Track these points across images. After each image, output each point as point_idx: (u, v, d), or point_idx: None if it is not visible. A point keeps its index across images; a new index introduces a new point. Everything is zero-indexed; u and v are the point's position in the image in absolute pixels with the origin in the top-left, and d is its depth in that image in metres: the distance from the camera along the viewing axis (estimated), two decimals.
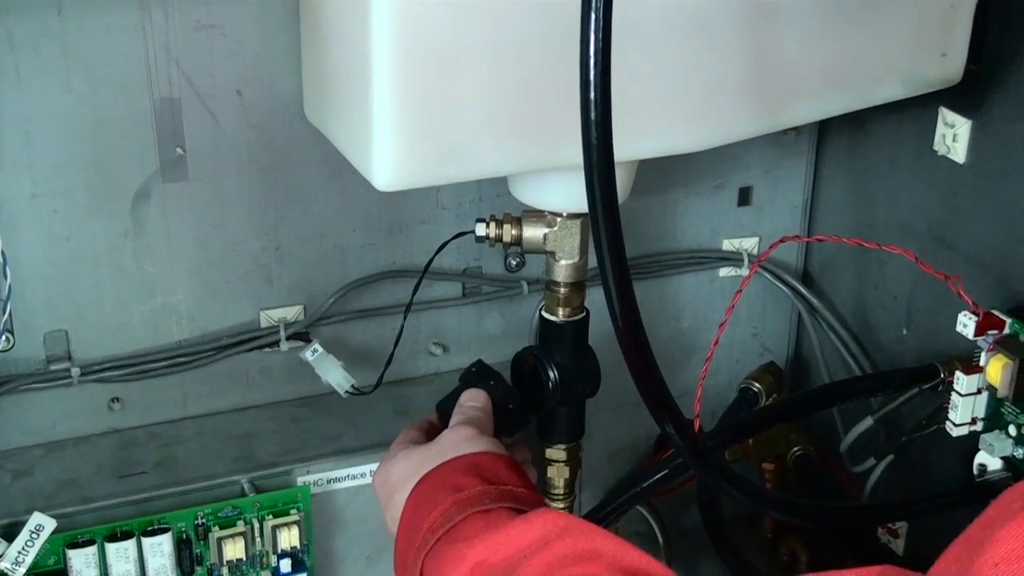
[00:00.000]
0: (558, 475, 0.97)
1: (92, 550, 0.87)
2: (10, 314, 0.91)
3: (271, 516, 0.92)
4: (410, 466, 0.82)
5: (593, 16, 0.62)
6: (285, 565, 0.93)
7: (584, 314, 0.93)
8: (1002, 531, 0.43)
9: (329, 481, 0.96)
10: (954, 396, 0.89)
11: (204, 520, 0.91)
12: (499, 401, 0.90)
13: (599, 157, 0.65)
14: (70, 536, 0.87)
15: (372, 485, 0.88)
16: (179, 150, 0.92)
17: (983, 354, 0.87)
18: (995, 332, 0.87)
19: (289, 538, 0.92)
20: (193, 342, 0.98)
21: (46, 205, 0.90)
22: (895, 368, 1.05)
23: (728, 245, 1.14)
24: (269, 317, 1.00)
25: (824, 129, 1.12)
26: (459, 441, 0.83)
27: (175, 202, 0.93)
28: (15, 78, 0.86)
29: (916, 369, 0.97)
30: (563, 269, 0.91)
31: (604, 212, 0.66)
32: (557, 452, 0.96)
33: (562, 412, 0.94)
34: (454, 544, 0.72)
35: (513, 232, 0.90)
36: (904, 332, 1.05)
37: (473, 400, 0.89)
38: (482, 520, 0.74)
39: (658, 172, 1.04)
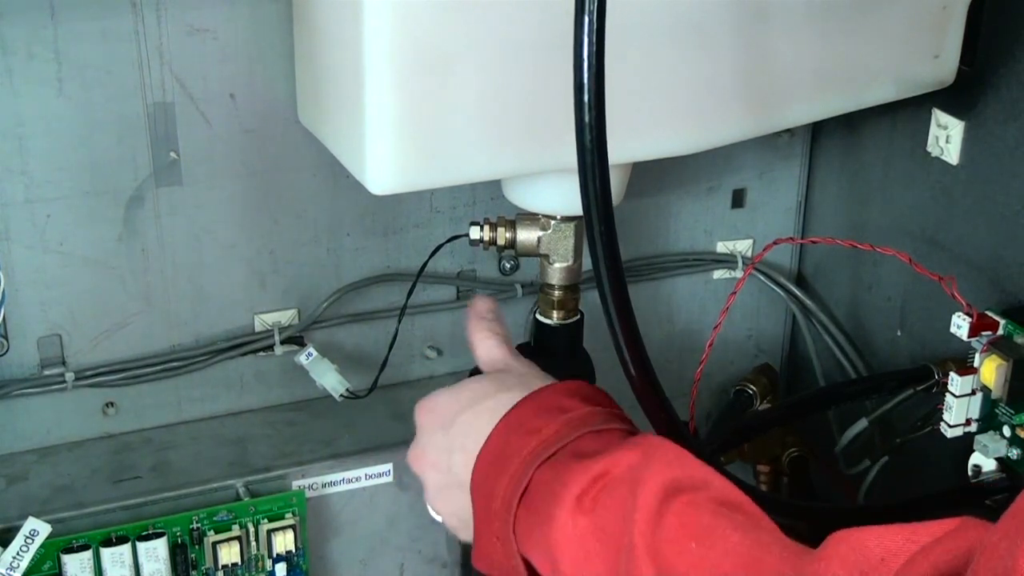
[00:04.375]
0: None
1: (87, 555, 0.87)
2: (4, 319, 0.91)
3: (266, 520, 0.92)
4: (495, 386, 0.78)
5: (586, 18, 0.62)
6: (280, 569, 0.93)
7: (578, 317, 0.93)
8: None
9: (324, 485, 0.96)
10: (948, 397, 0.89)
11: (199, 525, 0.91)
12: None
13: (593, 159, 0.65)
14: (65, 541, 0.87)
15: (417, 410, 0.82)
16: (172, 154, 0.92)
17: (977, 355, 0.87)
18: (989, 333, 0.87)
19: (284, 542, 0.92)
20: (187, 347, 0.98)
21: (40, 210, 0.90)
22: (889, 369, 1.05)
23: (722, 247, 1.14)
24: (263, 321, 1.00)
25: (817, 131, 1.12)
26: (541, 373, 0.81)
27: (169, 206, 0.93)
28: (8, 83, 0.86)
29: (910, 371, 0.97)
30: (557, 272, 0.91)
31: (599, 215, 0.66)
32: None
33: None
34: (571, 461, 0.71)
35: (507, 235, 0.90)
36: (898, 333, 1.05)
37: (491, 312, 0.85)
38: (595, 441, 0.72)
39: (652, 174, 1.05)
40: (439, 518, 0.81)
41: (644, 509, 0.64)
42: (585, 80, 0.63)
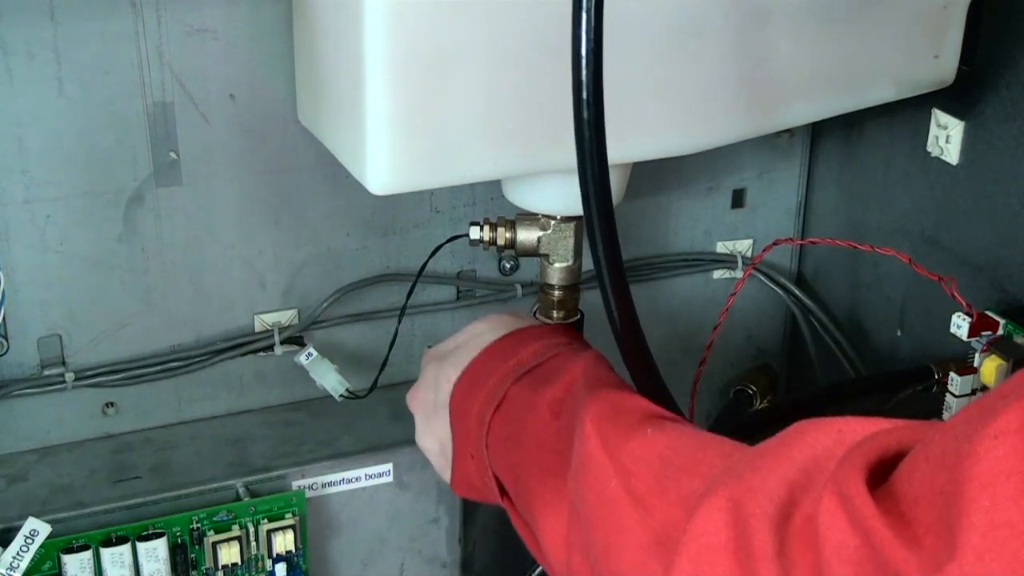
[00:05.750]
0: None
1: (87, 555, 0.87)
2: (4, 319, 0.91)
3: (266, 520, 0.92)
4: (490, 325, 0.83)
5: (584, 17, 0.62)
6: (280, 570, 0.93)
7: (578, 316, 0.93)
8: (1007, 409, 0.45)
9: (324, 485, 0.96)
10: (948, 397, 0.89)
11: (199, 525, 0.91)
12: None
13: (592, 159, 0.65)
14: (65, 541, 0.87)
15: (424, 355, 0.88)
16: (172, 154, 0.92)
17: (977, 355, 0.87)
18: (989, 333, 0.87)
19: (284, 542, 0.92)
20: (187, 347, 0.98)
21: (39, 210, 0.90)
22: (889, 369, 1.05)
23: (722, 247, 1.14)
24: (263, 321, 1.00)
25: (817, 131, 1.12)
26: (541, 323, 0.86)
27: (168, 206, 0.93)
28: (8, 83, 0.86)
29: (910, 370, 0.97)
30: (557, 272, 0.91)
31: (599, 214, 0.66)
32: None
33: None
34: (547, 373, 0.75)
35: (507, 235, 0.90)
36: (898, 333, 1.05)
37: None
38: (572, 357, 0.76)
39: (651, 174, 1.05)
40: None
41: (591, 420, 0.66)
42: (583, 78, 0.63)
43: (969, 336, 0.87)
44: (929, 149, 0.97)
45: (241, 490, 0.93)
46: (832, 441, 0.54)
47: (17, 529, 0.85)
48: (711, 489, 0.56)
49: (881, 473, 0.50)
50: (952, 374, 0.89)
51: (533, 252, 0.90)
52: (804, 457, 0.54)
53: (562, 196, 0.85)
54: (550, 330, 0.81)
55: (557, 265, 0.90)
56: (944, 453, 0.47)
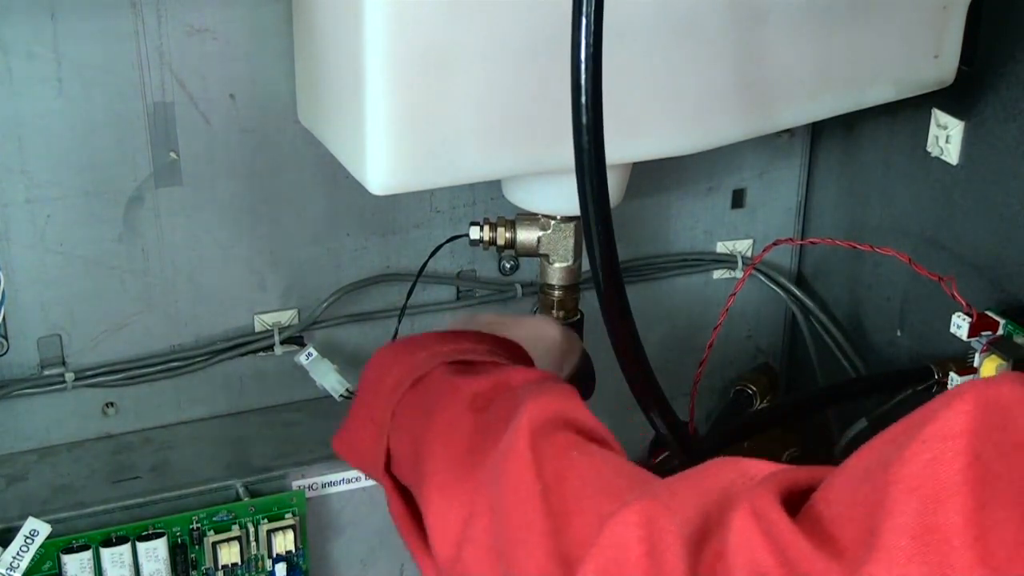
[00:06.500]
0: None
1: (87, 555, 0.87)
2: (4, 319, 0.91)
3: (266, 520, 0.92)
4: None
5: (584, 20, 0.62)
6: (280, 570, 0.93)
7: (578, 317, 0.93)
8: (935, 419, 0.46)
9: (324, 485, 0.95)
10: None
11: (199, 525, 0.91)
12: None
13: (590, 160, 0.65)
14: (65, 541, 0.87)
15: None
16: (172, 154, 0.92)
17: (977, 355, 0.87)
18: (989, 333, 0.87)
19: (284, 542, 0.92)
20: (187, 347, 0.98)
21: (40, 210, 0.90)
22: (889, 369, 1.05)
23: (722, 247, 1.14)
24: (263, 321, 1.00)
25: (817, 131, 1.12)
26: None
27: (168, 206, 0.93)
28: (8, 83, 0.86)
29: (910, 370, 0.97)
30: (557, 272, 0.91)
31: (596, 215, 0.66)
32: None
33: None
34: (479, 367, 0.73)
35: (507, 235, 0.90)
36: (898, 333, 1.05)
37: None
38: (509, 364, 0.75)
39: (651, 174, 1.05)
40: None
41: (528, 420, 0.64)
42: (582, 82, 0.63)
43: (969, 336, 0.87)
44: (929, 149, 0.97)
45: (241, 490, 0.93)
46: (739, 475, 0.54)
47: (17, 529, 0.85)
48: (625, 505, 0.55)
49: (791, 506, 0.50)
50: (952, 374, 0.89)
51: (533, 252, 0.90)
52: (717, 489, 0.54)
53: (562, 196, 0.85)
54: (503, 344, 0.78)
55: (557, 265, 0.90)
56: (868, 468, 0.47)
